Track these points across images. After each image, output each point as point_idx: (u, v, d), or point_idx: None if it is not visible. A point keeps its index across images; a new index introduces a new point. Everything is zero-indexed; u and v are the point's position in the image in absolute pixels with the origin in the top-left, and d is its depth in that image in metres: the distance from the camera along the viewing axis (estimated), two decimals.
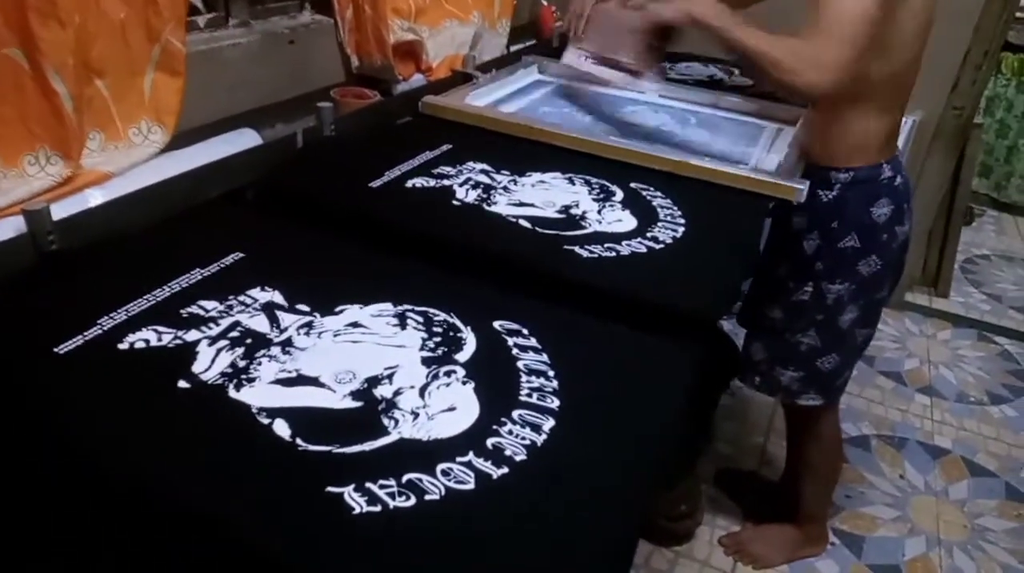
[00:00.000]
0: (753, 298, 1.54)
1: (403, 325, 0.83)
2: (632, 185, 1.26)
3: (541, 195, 1.20)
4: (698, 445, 1.95)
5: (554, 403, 0.73)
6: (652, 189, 1.25)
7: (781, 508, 1.73)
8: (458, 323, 0.84)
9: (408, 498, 0.59)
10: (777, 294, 1.45)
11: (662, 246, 1.06)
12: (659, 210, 1.18)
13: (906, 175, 1.40)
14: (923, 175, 2.62)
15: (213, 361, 0.74)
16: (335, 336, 0.80)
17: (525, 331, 0.84)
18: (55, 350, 0.73)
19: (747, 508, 1.86)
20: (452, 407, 0.71)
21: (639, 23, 1.38)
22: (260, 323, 0.81)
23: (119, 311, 0.80)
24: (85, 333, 0.76)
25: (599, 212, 1.15)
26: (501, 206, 1.14)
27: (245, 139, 1.26)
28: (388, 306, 0.86)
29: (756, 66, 1.20)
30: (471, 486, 0.62)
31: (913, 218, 1.43)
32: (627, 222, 1.13)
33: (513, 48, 2.08)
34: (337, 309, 0.85)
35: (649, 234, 1.09)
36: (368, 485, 0.60)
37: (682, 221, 1.15)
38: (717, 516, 1.84)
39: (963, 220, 3.00)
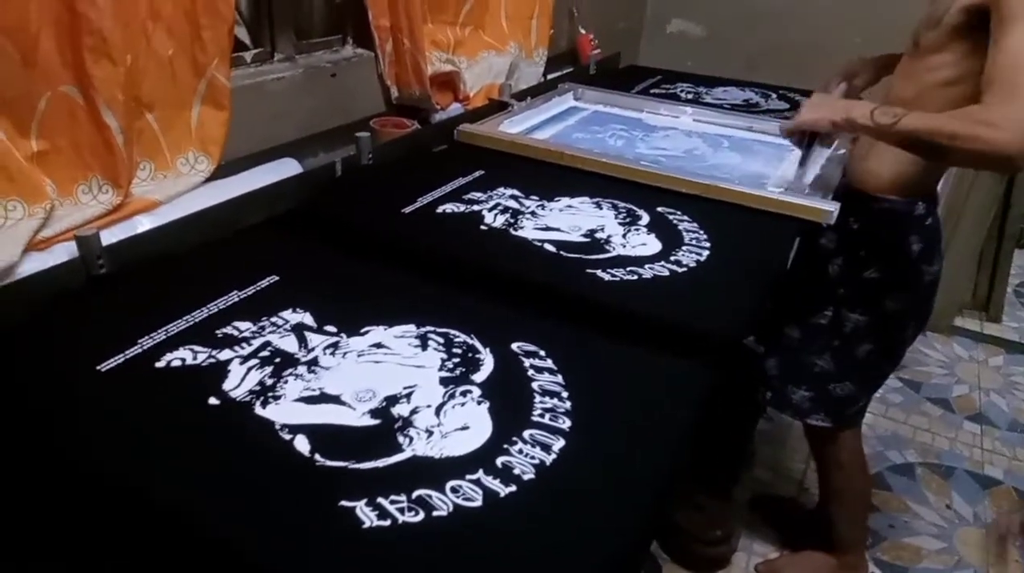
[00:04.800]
0: (773, 313, 1.53)
1: (424, 346, 0.86)
2: (659, 209, 1.27)
3: (568, 219, 1.22)
4: (734, 469, 1.94)
5: (565, 424, 0.75)
6: (679, 212, 1.26)
7: (818, 536, 1.70)
8: (477, 344, 0.87)
9: (416, 513, 0.62)
10: (796, 312, 1.45)
11: (684, 269, 1.08)
12: (684, 234, 1.19)
13: (938, 217, 1.38)
14: (971, 196, 2.57)
15: (243, 379, 0.78)
16: (359, 356, 0.84)
17: (542, 353, 0.86)
18: (97, 368, 0.79)
19: (784, 535, 1.83)
20: (465, 426, 0.73)
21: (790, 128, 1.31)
22: (289, 343, 0.85)
23: (159, 331, 0.86)
24: (126, 352, 0.81)
25: (624, 236, 1.17)
26: (527, 230, 1.17)
27: (286, 168, 1.32)
28: (411, 327, 0.90)
29: (934, 149, 1.10)
30: (478, 503, 0.64)
31: (943, 260, 1.40)
32: (651, 246, 1.15)
33: (550, 76, 2.12)
34: (363, 330, 0.89)
35: (672, 258, 1.11)
36: (379, 500, 0.63)
37: (707, 244, 1.16)
38: (754, 542, 1.82)
39: (1016, 243, 2.91)
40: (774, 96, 2.00)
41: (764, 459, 2.09)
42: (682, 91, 2.05)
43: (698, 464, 1.55)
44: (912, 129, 1.09)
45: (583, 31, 2.34)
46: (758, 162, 1.55)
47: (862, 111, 1.16)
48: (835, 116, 1.19)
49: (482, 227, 1.18)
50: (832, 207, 1.25)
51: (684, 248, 1.14)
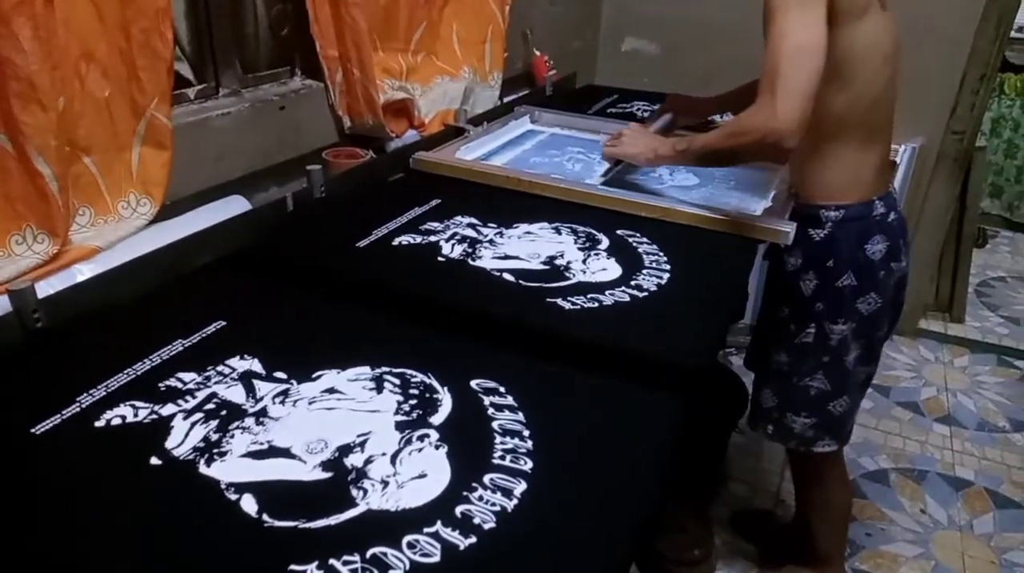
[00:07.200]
0: (758, 341, 1.52)
1: (379, 389, 0.83)
2: (619, 232, 1.26)
3: (527, 247, 1.20)
4: (710, 488, 1.92)
5: (527, 465, 0.72)
6: (638, 235, 1.25)
7: (796, 549, 1.69)
8: (435, 384, 0.84)
9: None
10: (780, 337, 1.43)
11: (645, 294, 1.06)
12: (644, 257, 1.18)
13: (901, 212, 1.39)
14: (928, 200, 2.60)
15: (187, 435, 0.74)
16: (310, 404, 0.80)
17: (502, 389, 0.83)
18: (32, 431, 0.74)
19: (763, 550, 1.81)
20: (423, 474, 0.70)
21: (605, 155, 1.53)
22: (236, 393, 0.81)
23: (99, 387, 0.81)
24: (63, 412, 0.77)
25: (584, 261, 1.15)
26: (486, 260, 1.15)
27: (234, 206, 1.28)
28: (366, 370, 0.87)
29: (730, 156, 1.27)
30: (436, 559, 0.61)
31: (911, 254, 1.41)
32: (612, 270, 1.13)
33: (507, 99, 2.11)
34: (315, 375, 0.85)
35: (633, 282, 1.09)
36: (332, 562, 0.59)
37: (667, 267, 1.14)
38: (735, 560, 1.79)
39: (975, 243, 2.96)
40: (729, 115, 2.00)
41: (740, 472, 2.08)
42: (638, 110, 2.05)
43: (673, 486, 1.52)
44: (707, 152, 1.27)
45: (538, 52, 2.33)
46: (713, 182, 1.54)
47: (666, 148, 1.37)
48: (648, 155, 1.42)
49: (439, 258, 1.16)
50: (789, 228, 1.24)
51: (644, 271, 1.13)
